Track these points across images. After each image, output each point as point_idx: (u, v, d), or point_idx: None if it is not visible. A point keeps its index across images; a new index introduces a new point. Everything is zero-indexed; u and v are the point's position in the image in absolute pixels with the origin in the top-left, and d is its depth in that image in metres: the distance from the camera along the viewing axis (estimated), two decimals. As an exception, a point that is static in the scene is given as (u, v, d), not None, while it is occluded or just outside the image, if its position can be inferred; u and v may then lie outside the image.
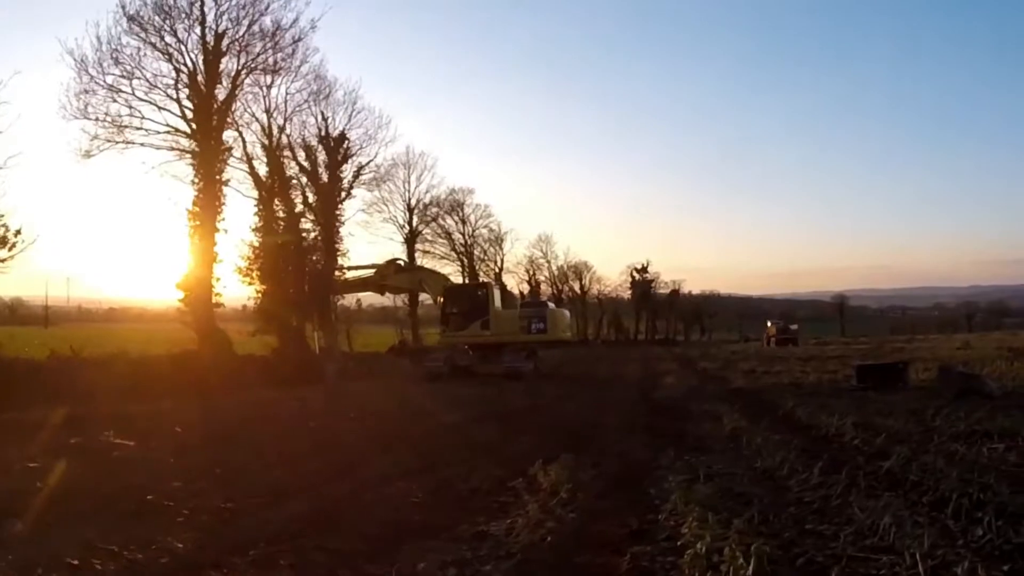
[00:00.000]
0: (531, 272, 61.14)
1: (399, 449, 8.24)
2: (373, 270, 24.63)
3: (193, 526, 4.81)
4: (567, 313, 26.71)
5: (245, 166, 24.80)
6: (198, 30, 21.58)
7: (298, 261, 25.19)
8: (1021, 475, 5.51)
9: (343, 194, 28.80)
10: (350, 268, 26.60)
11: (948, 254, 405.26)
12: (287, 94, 25.75)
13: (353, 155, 29.21)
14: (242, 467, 6.93)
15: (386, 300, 36.22)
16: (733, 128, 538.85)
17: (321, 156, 28.30)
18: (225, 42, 21.87)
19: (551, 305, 27.00)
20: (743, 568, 3.39)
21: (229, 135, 23.39)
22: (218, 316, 22.70)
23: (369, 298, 36.51)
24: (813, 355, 29.16)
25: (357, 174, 29.80)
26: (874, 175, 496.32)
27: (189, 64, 21.58)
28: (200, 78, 21.61)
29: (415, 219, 42.12)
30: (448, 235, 47.29)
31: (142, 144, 22.04)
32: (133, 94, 21.48)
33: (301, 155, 27.76)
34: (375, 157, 31.02)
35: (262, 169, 25.40)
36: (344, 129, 28.68)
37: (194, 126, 21.80)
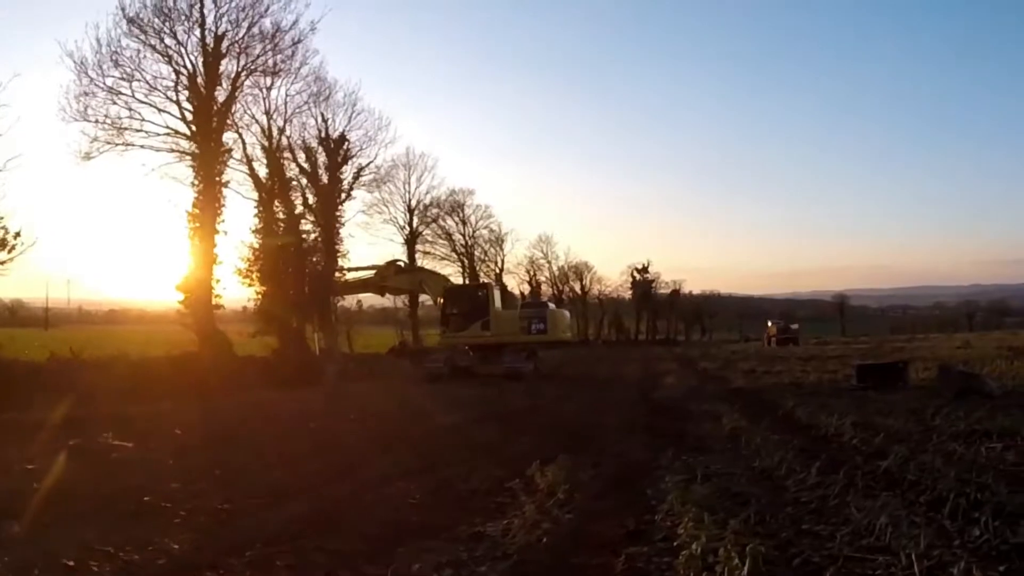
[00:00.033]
0: (532, 273, 61.18)
1: (398, 450, 8.24)
2: (373, 271, 24.66)
3: (190, 527, 4.81)
4: (567, 313, 26.72)
5: (245, 168, 24.87)
6: (198, 32, 21.64)
7: (298, 262, 25.20)
8: (1019, 475, 5.51)
9: (343, 195, 28.85)
10: (350, 269, 26.66)
11: (948, 254, 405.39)
12: (287, 96, 25.83)
13: (353, 156, 29.28)
14: (241, 468, 6.93)
15: (386, 301, 36.22)
16: (733, 128, 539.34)
17: (321, 157, 28.34)
18: (225, 44, 21.91)
19: (551, 306, 27.00)
20: (738, 569, 3.38)
21: (229, 137, 23.47)
22: (218, 317, 22.72)
23: (370, 299, 36.57)
24: (813, 355, 29.14)
25: (357, 175, 29.87)
26: (874, 175, 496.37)
27: (189, 66, 21.64)
28: (200, 80, 21.64)
29: (415, 220, 42.15)
30: (448, 236, 47.32)
31: (142, 146, 22.12)
32: (133, 96, 21.55)
33: (301, 157, 27.82)
34: (375, 158, 31.10)
35: (262, 171, 25.45)
36: (344, 130, 28.75)
37: (194, 128, 21.82)
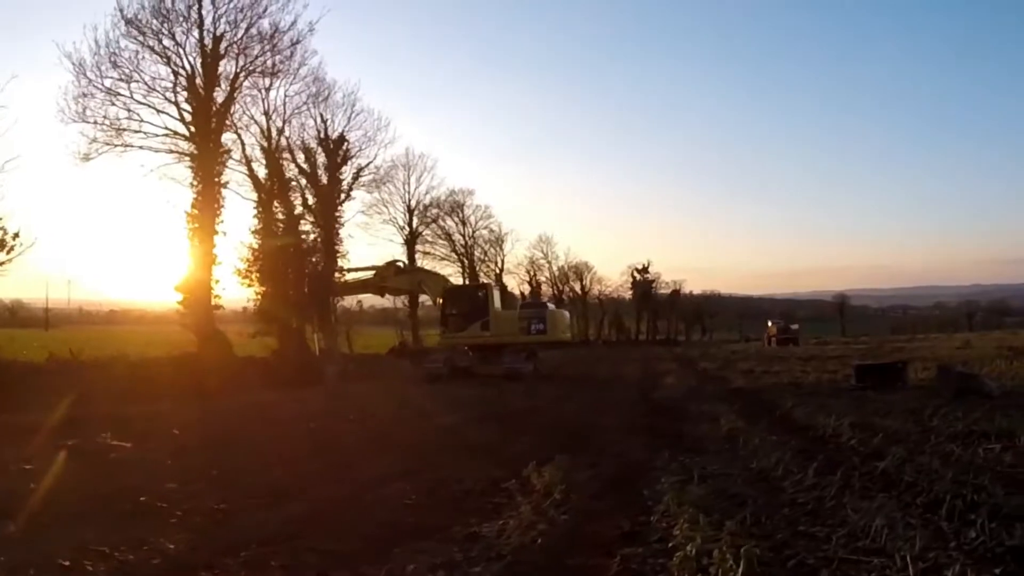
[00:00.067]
0: (532, 273, 61.11)
1: (396, 450, 8.25)
2: (372, 272, 24.65)
3: (186, 527, 4.82)
4: (567, 314, 26.70)
5: (244, 168, 24.85)
6: (196, 33, 21.64)
7: (298, 263, 25.19)
8: (1016, 476, 5.50)
9: (342, 196, 28.84)
10: (350, 270, 26.65)
11: (948, 254, 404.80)
12: (286, 96, 25.79)
13: (352, 157, 29.27)
14: (238, 469, 6.94)
15: (386, 301, 36.20)
16: (733, 128, 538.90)
17: (320, 158, 28.34)
18: (223, 45, 21.90)
19: (551, 306, 26.99)
20: (732, 570, 3.38)
21: (228, 138, 23.46)
22: (218, 318, 22.73)
23: (370, 299, 36.50)
24: (813, 355, 29.12)
25: (356, 176, 29.86)
26: (874, 175, 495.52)
27: (187, 67, 21.63)
28: (198, 81, 21.64)
29: (415, 220, 42.11)
30: (448, 236, 47.26)
31: (140, 147, 22.11)
32: (131, 97, 21.55)
33: (300, 157, 27.81)
34: (374, 159, 31.08)
35: (261, 171, 25.43)
36: (343, 131, 28.74)
37: (192, 129, 21.83)
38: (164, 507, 5.33)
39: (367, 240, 41.63)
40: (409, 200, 41.60)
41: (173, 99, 21.71)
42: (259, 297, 24.52)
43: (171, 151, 22.27)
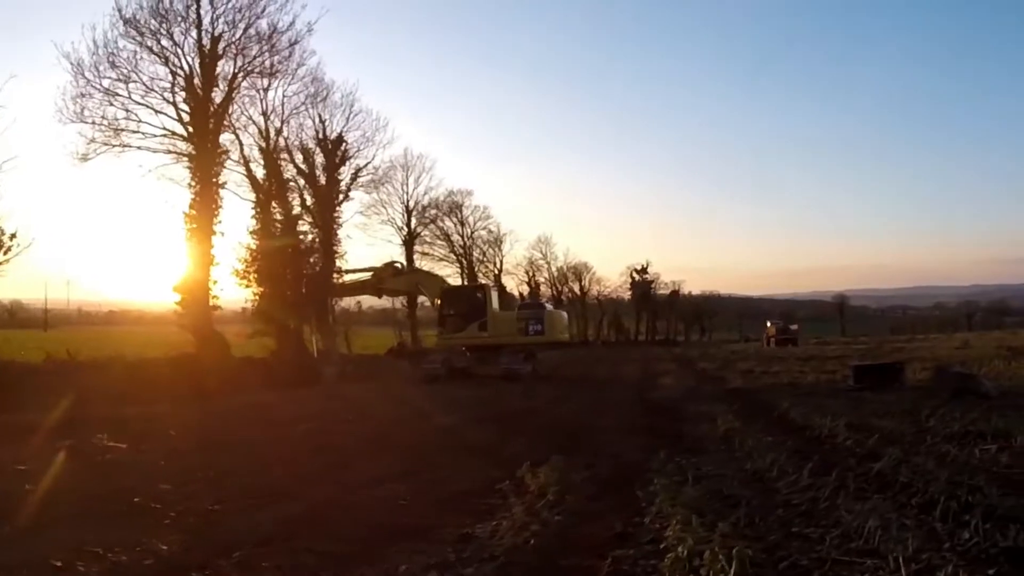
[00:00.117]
0: (531, 273, 61.11)
1: (394, 451, 8.25)
2: (370, 273, 24.64)
3: (180, 528, 4.81)
4: (565, 315, 26.69)
5: (242, 169, 24.85)
6: (194, 33, 21.61)
7: (296, 264, 25.17)
8: (1012, 477, 5.49)
9: (341, 196, 28.87)
10: (348, 271, 26.65)
11: (948, 254, 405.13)
12: (284, 97, 25.82)
13: (351, 157, 29.31)
14: (234, 470, 6.92)
15: (385, 302, 36.25)
16: (733, 128, 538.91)
17: (319, 158, 28.37)
18: (221, 45, 21.88)
19: (549, 306, 27.00)
20: (724, 572, 3.37)
21: (226, 138, 23.44)
22: (216, 319, 22.70)
23: (369, 300, 36.43)
24: (812, 355, 29.13)
25: (355, 176, 29.88)
26: (874, 175, 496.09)
27: (185, 67, 21.61)
28: (197, 81, 21.62)
29: (414, 221, 42.06)
30: (447, 237, 47.23)
31: (139, 147, 22.10)
32: (129, 97, 21.53)
33: (299, 158, 27.84)
34: (373, 159, 31.11)
35: (259, 172, 25.43)
36: (342, 131, 28.77)
37: (191, 129, 21.81)
38: (158, 508, 5.32)
39: (366, 241, 41.64)
40: (408, 201, 41.60)
41: (171, 99, 21.72)
42: (257, 298, 24.50)
43: (169, 151, 22.30)
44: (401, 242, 41.25)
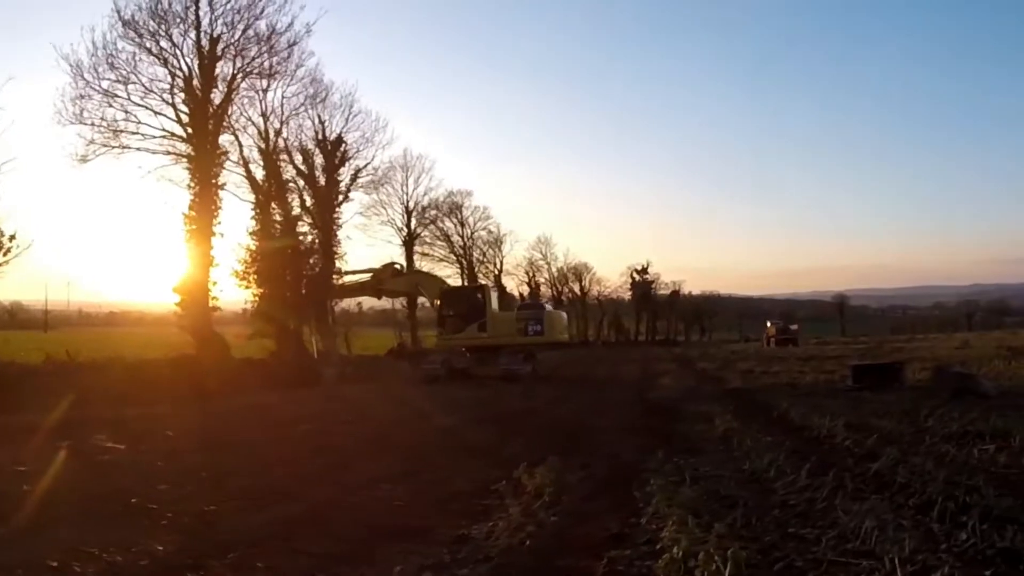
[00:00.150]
0: (531, 274, 61.14)
1: (393, 452, 8.25)
2: (370, 274, 24.64)
3: (176, 529, 4.81)
4: (564, 315, 26.71)
5: (242, 170, 24.88)
6: (193, 35, 21.66)
7: (295, 265, 25.19)
8: (1009, 477, 5.49)
9: (340, 197, 28.86)
10: (347, 272, 26.66)
11: (948, 253, 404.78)
12: (283, 98, 25.85)
13: (350, 158, 29.30)
14: (231, 471, 6.92)
15: (385, 303, 36.20)
16: (733, 128, 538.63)
17: (318, 159, 28.37)
18: (220, 46, 21.91)
19: (548, 307, 27.01)
20: (719, 573, 3.36)
21: (225, 139, 23.47)
22: (216, 320, 22.73)
23: (369, 301, 36.43)
24: (812, 355, 29.13)
25: (354, 177, 29.87)
26: (874, 175, 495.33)
27: (184, 69, 21.66)
28: (196, 82, 21.64)
29: (413, 222, 42.08)
30: (447, 237, 47.25)
31: (138, 149, 22.15)
32: (129, 99, 21.58)
33: (298, 159, 27.84)
34: (372, 160, 31.10)
35: (259, 173, 25.46)
36: (341, 132, 28.77)
37: (190, 130, 21.84)
38: (155, 508, 5.32)
39: (365, 241, 41.59)
40: (407, 201, 41.62)
41: (170, 101, 21.77)
42: (257, 299, 24.53)
43: (168, 152, 22.33)
44: (401, 243, 41.32)
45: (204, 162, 21.67)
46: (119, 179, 50.70)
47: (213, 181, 21.99)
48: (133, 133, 21.83)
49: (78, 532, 4.65)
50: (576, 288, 68.87)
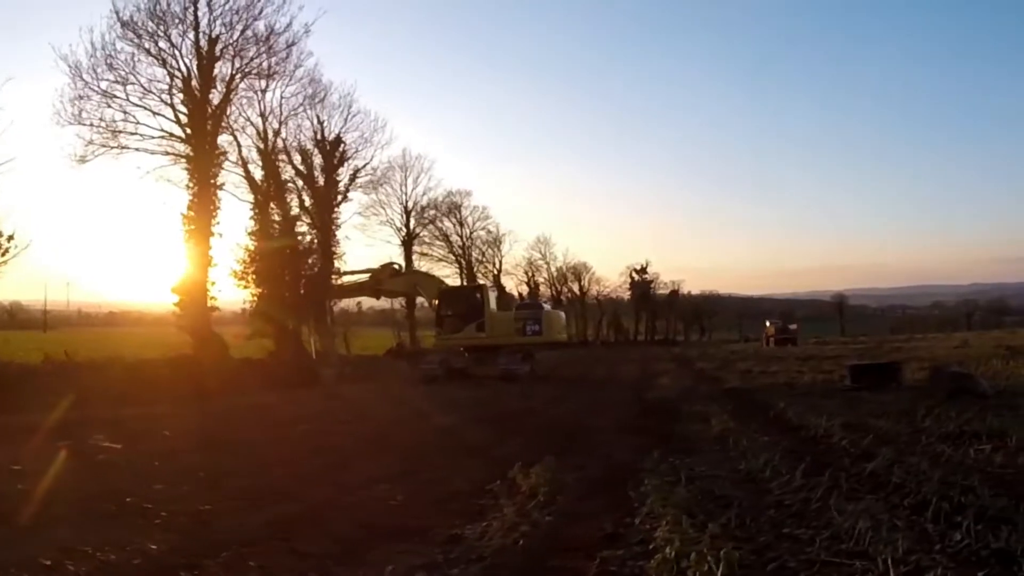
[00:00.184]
0: (530, 274, 61.18)
1: (392, 452, 8.26)
2: (368, 275, 24.65)
3: (170, 528, 4.81)
4: (562, 315, 26.74)
5: (240, 170, 24.92)
6: (192, 35, 21.69)
7: (294, 265, 25.21)
8: (1005, 477, 5.46)
9: (339, 197, 28.90)
10: (346, 273, 26.68)
11: (948, 253, 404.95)
12: (282, 98, 25.89)
13: (349, 158, 29.33)
14: (228, 471, 6.92)
15: (384, 303, 36.23)
16: (732, 128, 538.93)
17: (317, 160, 28.39)
18: (219, 47, 21.93)
19: (546, 307, 27.03)
20: (711, 573, 3.35)
21: (224, 139, 23.51)
22: (215, 320, 22.75)
23: (368, 301, 36.52)
24: (811, 355, 29.11)
25: (353, 177, 29.89)
26: (873, 174, 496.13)
27: (183, 69, 21.68)
28: (194, 83, 21.66)
29: (412, 222, 42.12)
30: (446, 237, 47.30)
31: (136, 149, 22.21)
32: (127, 99, 21.61)
33: (297, 159, 27.87)
34: (371, 160, 31.15)
35: (257, 173, 25.51)
36: (340, 132, 28.80)
37: (189, 131, 21.86)
38: (149, 508, 5.31)
39: (364, 242, 41.65)
40: (406, 201, 41.66)
41: (169, 101, 21.81)
42: (255, 299, 24.54)
43: (167, 153, 22.37)
44: (400, 243, 41.34)
45: (203, 162, 21.68)
46: (118, 179, 50.63)
47: (212, 181, 22.02)
48: (132, 133, 21.90)
49: (73, 531, 4.65)
50: (575, 288, 68.98)
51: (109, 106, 21.48)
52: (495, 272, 51.77)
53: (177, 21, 21.53)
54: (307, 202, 27.81)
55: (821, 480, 5.33)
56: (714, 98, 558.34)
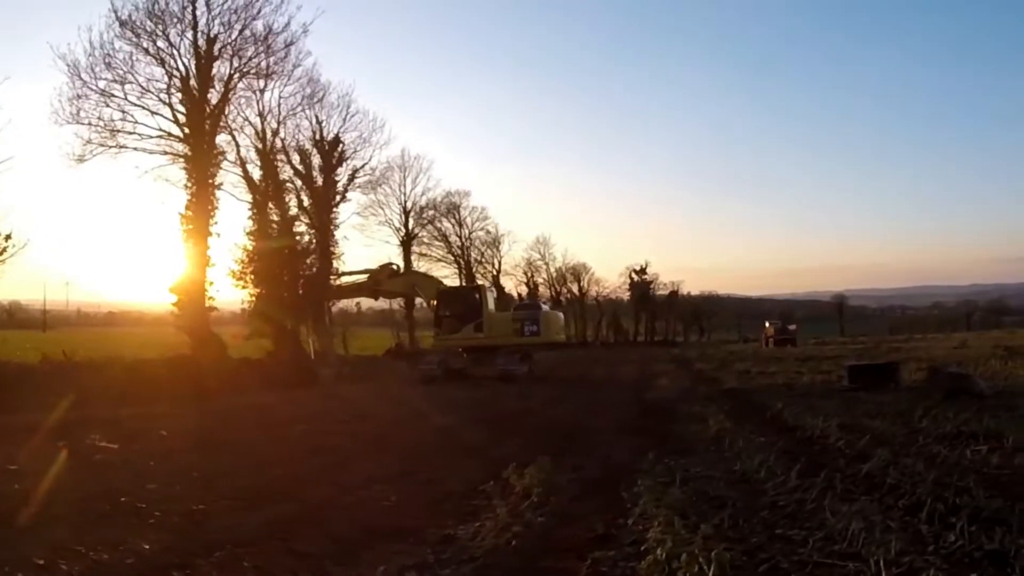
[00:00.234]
0: (529, 274, 61.17)
1: (388, 452, 8.26)
2: (367, 275, 24.64)
3: (164, 528, 4.81)
4: (560, 315, 26.74)
5: (239, 170, 24.91)
6: (190, 35, 21.68)
7: (292, 265, 25.20)
8: (1000, 478, 5.46)
9: (338, 197, 28.87)
10: (344, 273, 26.67)
11: (947, 253, 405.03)
12: (280, 98, 25.88)
13: (348, 158, 29.31)
14: (223, 471, 6.91)
15: (383, 303, 36.22)
16: (732, 128, 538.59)
17: (315, 160, 28.36)
18: (217, 46, 21.93)
19: (544, 307, 27.03)
20: (702, 574, 3.35)
21: (222, 139, 23.51)
22: (214, 319, 22.74)
23: (367, 301, 36.51)
24: (810, 355, 29.11)
25: (352, 177, 29.87)
26: (873, 174, 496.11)
27: (182, 68, 21.68)
28: (193, 82, 21.66)
29: (411, 222, 42.06)
30: (445, 238, 47.25)
31: (135, 149, 22.19)
32: (126, 99, 21.60)
33: (295, 159, 27.86)
34: (370, 160, 31.10)
35: (256, 173, 25.50)
36: (338, 132, 28.78)
37: (187, 130, 21.85)
38: (144, 508, 5.31)
39: (363, 242, 41.59)
40: (405, 202, 41.62)
41: (167, 100, 21.80)
42: (254, 299, 24.52)
43: (165, 152, 22.36)
44: (399, 243, 41.29)
45: (201, 162, 21.67)
46: (116, 179, 50.70)
47: (210, 181, 22.00)
48: (130, 133, 21.90)
49: (68, 530, 4.65)
50: (575, 288, 68.96)
51: (107, 105, 21.52)
52: (494, 273, 51.78)
53: (175, 20, 21.56)
54: (305, 202, 27.83)
55: (816, 481, 5.32)
56: (714, 98, 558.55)
